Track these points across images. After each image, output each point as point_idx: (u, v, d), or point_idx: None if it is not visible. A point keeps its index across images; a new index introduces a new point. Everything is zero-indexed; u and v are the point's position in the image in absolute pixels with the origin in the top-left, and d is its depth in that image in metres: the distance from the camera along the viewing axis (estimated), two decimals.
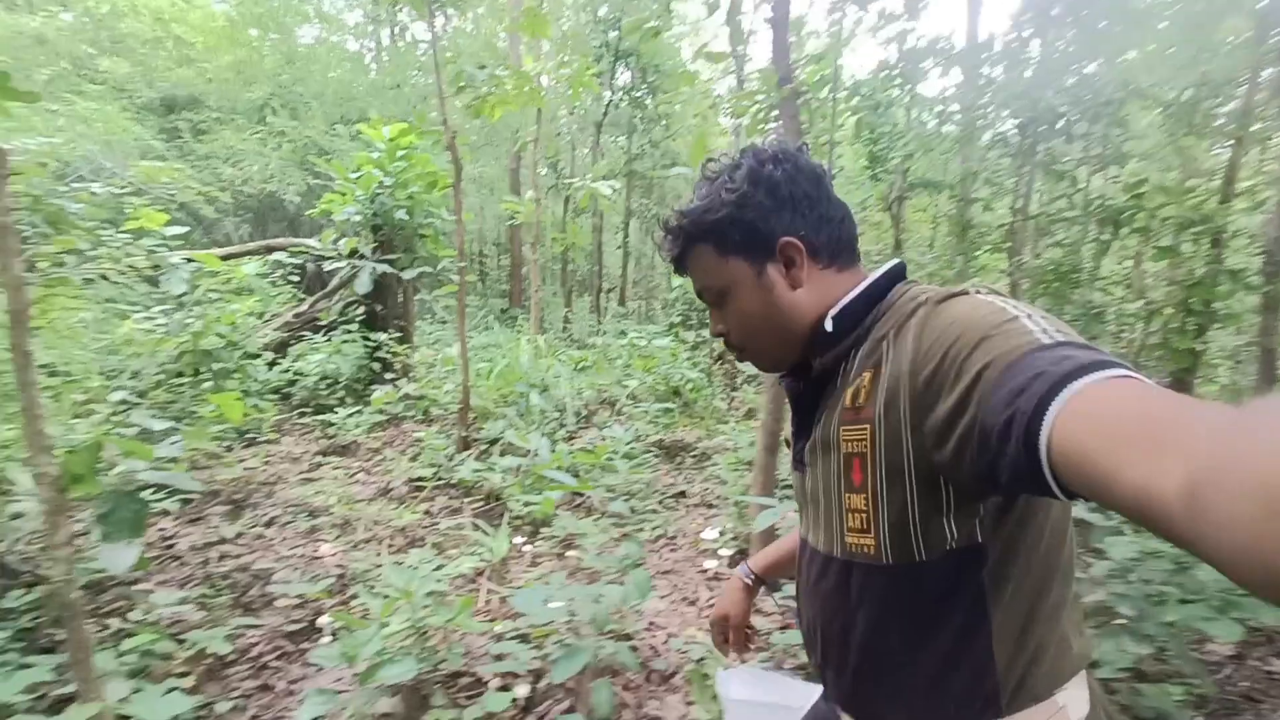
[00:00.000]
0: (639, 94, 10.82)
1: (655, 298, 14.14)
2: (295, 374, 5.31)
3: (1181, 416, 0.35)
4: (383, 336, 5.57)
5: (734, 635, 1.05)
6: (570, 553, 3.02)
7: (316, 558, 2.97)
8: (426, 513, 3.41)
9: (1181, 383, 4.45)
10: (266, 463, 4.33)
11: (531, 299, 7.19)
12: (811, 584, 0.74)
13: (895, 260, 0.73)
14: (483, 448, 4.17)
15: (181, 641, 2.08)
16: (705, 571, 2.97)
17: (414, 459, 4.10)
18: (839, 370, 0.69)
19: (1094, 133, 4.26)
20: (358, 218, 5.73)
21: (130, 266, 2.61)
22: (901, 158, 5.95)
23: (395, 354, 5.58)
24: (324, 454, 4.51)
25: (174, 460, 1.69)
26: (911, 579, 0.62)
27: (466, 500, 3.53)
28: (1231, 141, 5.10)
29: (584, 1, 11.60)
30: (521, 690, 1.97)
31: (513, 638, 2.18)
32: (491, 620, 2.37)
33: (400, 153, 5.62)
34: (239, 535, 3.10)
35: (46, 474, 1.18)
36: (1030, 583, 0.61)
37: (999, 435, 0.45)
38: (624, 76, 11.44)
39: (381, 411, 4.88)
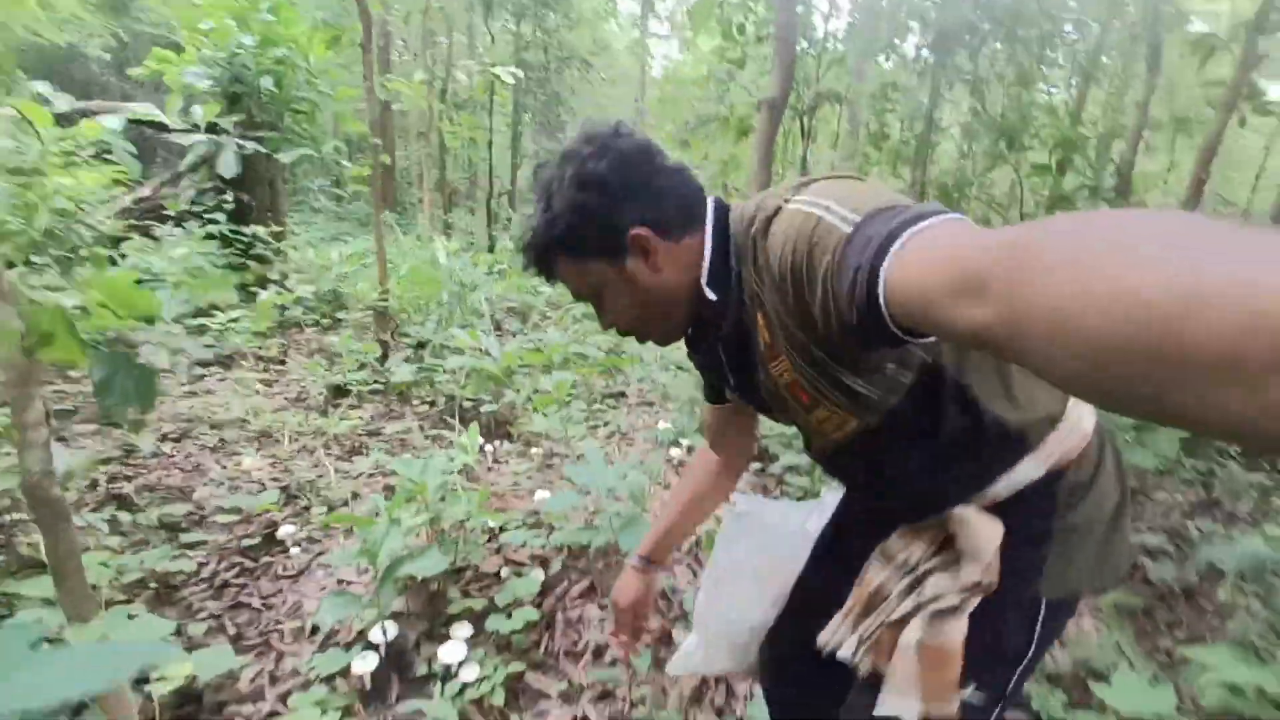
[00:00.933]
0: None
1: None
2: (147, 272, 4.39)
3: (992, 247, 0.38)
4: (255, 230, 4.74)
5: (621, 620, 1.09)
6: (533, 450, 2.91)
7: (241, 471, 2.58)
8: (361, 419, 3.08)
9: None
10: None
11: (424, 197, 6.49)
12: (828, 459, 0.84)
13: (711, 198, 0.75)
14: (409, 351, 3.81)
15: (111, 566, 1.73)
16: (671, 460, 3.04)
17: (327, 366, 3.65)
18: (743, 318, 0.73)
19: (1001, 52, 4.56)
20: (207, 82, 4.68)
21: None
22: (818, 68, 6.00)
23: (276, 251, 4.80)
24: (203, 364, 3.86)
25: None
26: (897, 419, 0.70)
27: (407, 407, 3.23)
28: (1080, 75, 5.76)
29: None
30: (537, 574, 1.91)
31: (516, 527, 2.09)
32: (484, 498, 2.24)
33: (265, 3, 4.59)
34: (130, 454, 2.59)
35: (6, 325, 0.86)
36: (989, 360, 0.70)
37: (860, 320, 0.51)
38: None
39: (269, 316, 4.23)
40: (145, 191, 4.90)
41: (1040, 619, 0.75)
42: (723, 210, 0.74)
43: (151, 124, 4.96)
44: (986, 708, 0.77)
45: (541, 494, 2.35)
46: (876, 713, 0.77)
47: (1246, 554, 1.73)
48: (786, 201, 0.61)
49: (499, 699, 1.47)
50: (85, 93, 8.19)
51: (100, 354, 0.96)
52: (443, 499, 1.75)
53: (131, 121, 4.85)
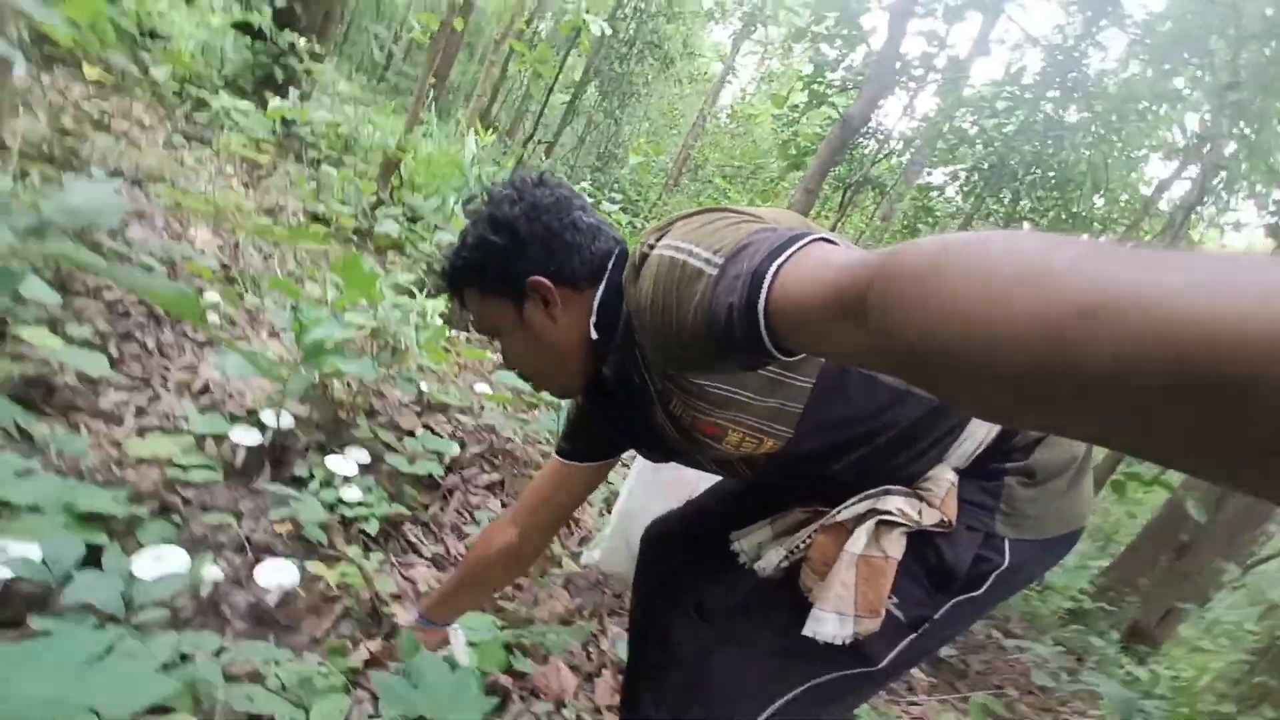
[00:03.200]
0: None
1: (576, 171, 13.30)
2: (160, 17, 4.09)
3: (862, 268, 0.38)
4: (297, 39, 4.47)
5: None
6: None
7: (187, 240, 2.36)
8: (329, 249, 2.88)
9: None
10: (104, 112, 3.31)
11: (484, 94, 6.30)
12: (777, 476, 0.80)
13: (615, 249, 0.76)
14: (398, 214, 3.62)
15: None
16: None
17: (316, 196, 3.43)
18: (639, 367, 0.72)
19: (1045, 198, 4.77)
20: None
21: None
22: (871, 157, 6.15)
23: (308, 71, 4.54)
24: (186, 137, 3.58)
25: None
26: (814, 421, 0.70)
27: (381, 257, 3.06)
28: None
29: None
30: (453, 448, 1.79)
31: (456, 401, 1.96)
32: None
33: None
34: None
35: None
36: None
37: (724, 332, 0.49)
38: None
39: (277, 127, 3.98)
40: None
41: (995, 558, 0.73)
42: (622, 253, 0.76)
43: None
44: (901, 630, 0.74)
45: (484, 387, 2.23)
46: (805, 632, 0.73)
47: (1118, 696, 1.76)
48: (651, 248, 0.58)
49: (371, 529, 1.35)
50: None
51: None
52: (398, 316, 1.61)
53: None
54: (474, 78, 10.75)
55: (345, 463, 1.39)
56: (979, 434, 0.73)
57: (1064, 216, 4.62)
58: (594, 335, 0.73)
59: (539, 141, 11.50)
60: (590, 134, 12.19)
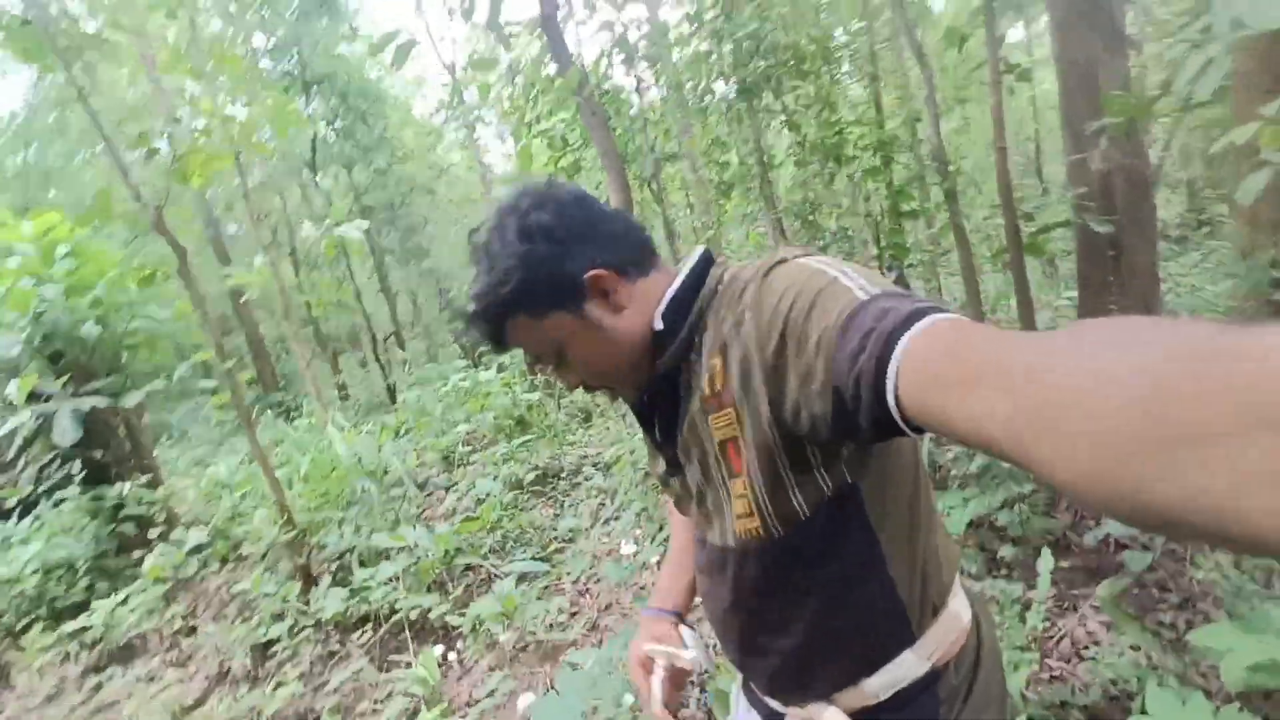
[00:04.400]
0: (346, 122, 9.70)
1: (434, 333, 13.12)
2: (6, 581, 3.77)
3: (999, 355, 0.38)
4: (124, 488, 4.21)
5: (668, 679, 0.86)
6: (502, 637, 2.65)
7: None
8: (300, 678, 2.69)
9: (902, 271, 5.57)
10: None
11: (307, 377, 6.11)
12: (716, 579, 0.74)
13: (702, 248, 0.74)
14: (333, 568, 3.43)
15: None
16: (644, 589, 2.86)
17: (245, 620, 3.21)
18: (686, 364, 0.69)
19: (800, 86, 4.98)
20: (18, 349, 4.20)
21: None
22: (646, 137, 6.31)
23: (152, 504, 4.27)
24: (97, 669, 3.29)
25: None
26: (802, 540, 0.64)
27: (349, 638, 2.87)
28: (869, 80, 6.42)
29: (236, 34, 9.92)
30: None
31: None
32: None
33: (61, 250, 4.23)
34: None
35: None
36: (904, 499, 0.66)
37: (851, 395, 0.48)
38: (317, 106, 10.15)
39: (162, 580, 3.72)
40: None
41: None
42: (708, 255, 0.72)
43: None
44: None
45: (525, 699, 2.11)
46: None
47: None
48: (795, 257, 0.59)
49: None
50: None
51: None
52: None
53: None
54: (288, 329, 10.49)
55: None
56: (911, 668, 0.67)
57: (823, 107, 4.83)
58: (659, 325, 0.68)
59: (385, 338, 11.33)
60: (419, 299, 12.08)
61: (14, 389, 4.00)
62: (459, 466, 5.11)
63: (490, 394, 5.34)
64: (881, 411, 0.45)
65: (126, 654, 3.41)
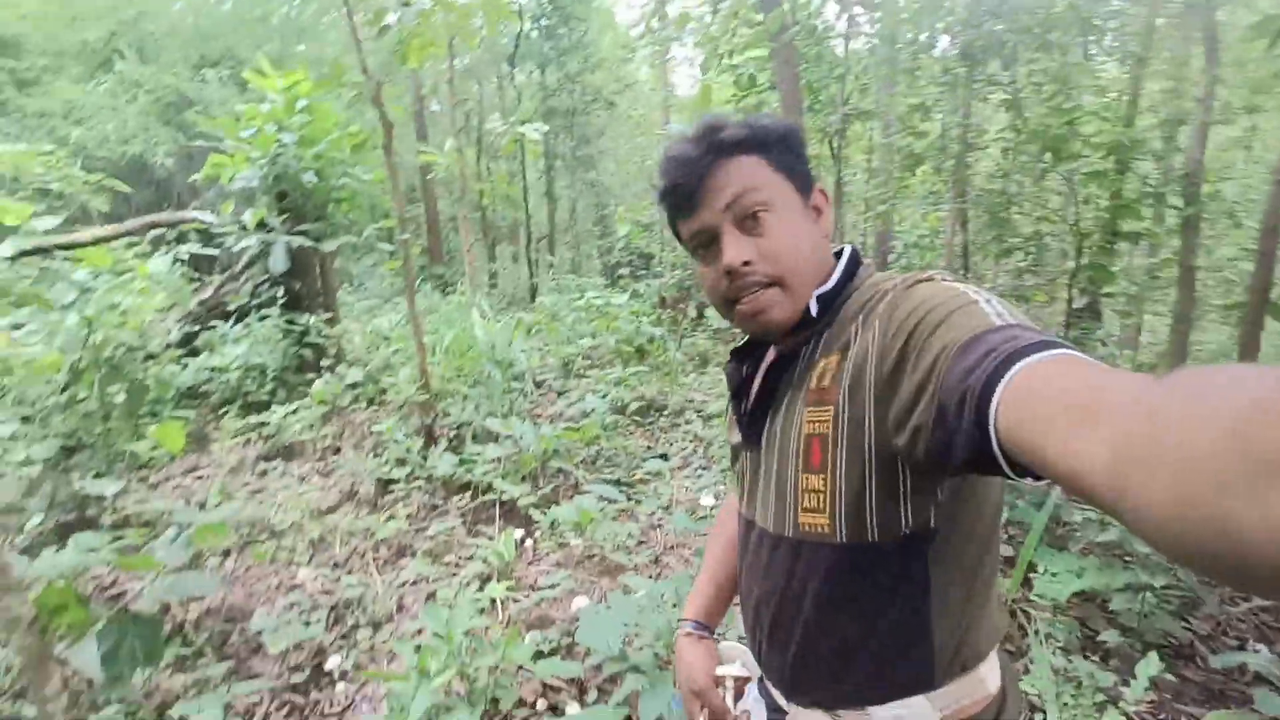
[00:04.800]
0: (550, 22, 9.94)
1: (582, 244, 13.64)
2: (212, 371, 4.70)
3: (1107, 393, 0.36)
4: (309, 319, 5.00)
5: (711, 701, 0.85)
6: (574, 541, 2.89)
7: (295, 585, 2.68)
8: (408, 517, 3.15)
9: (1097, 299, 4.80)
10: (199, 479, 3.85)
11: (465, 259, 6.69)
12: (760, 564, 0.73)
13: (849, 246, 0.73)
14: (451, 434, 3.89)
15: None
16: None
17: (376, 455, 3.77)
18: (800, 352, 0.69)
19: (1037, 60, 4.29)
20: (256, 183, 4.99)
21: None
22: (842, 89, 5.82)
23: (327, 337, 5.04)
24: (267, 459, 4.07)
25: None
26: (861, 559, 0.63)
27: (450, 499, 3.29)
28: (1131, 63, 5.33)
29: None
30: (573, 709, 1.87)
31: (552, 651, 2.06)
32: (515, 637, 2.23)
33: (300, 104, 4.87)
34: (195, 563, 2.74)
35: (19, 617, 0.90)
36: (968, 561, 0.64)
37: (954, 413, 0.47)
38: (529, 1, 10.46)
39: (324, 404, 4.43)
40: (207, 294, 5.27)
41: None
42: (856, 254, 0.73)
43: (205, 231, 5.31)
44: None
45: (579, 601, 2.32)
46: None
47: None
48: (944, 278, 0.60)
49: None
50: (159, 193, 8.98)
51: (111, 621, 0.99)
52: (470, 646, 1.74)
53: (195, 227, 5.26)
54: (455, 244, 11.46)
55: None
56: (920, 713, 0.65)
57: (1059, 89, 4.12)
58: (814, 308, 0.68)
59: (539, 240, 11.97)
60: (577, 208, 12.53)
61: (248, 216, 4.80)
62: (575, 376, 5.44)
63: (618, 318, 5.53)
64: (980, 435, 0.44)
65: (289, 453, 4.16)
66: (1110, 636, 2.00)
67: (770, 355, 0.77)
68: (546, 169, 11.09)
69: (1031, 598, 2.16)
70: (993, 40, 4.16)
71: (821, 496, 0.64)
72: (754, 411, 0.75)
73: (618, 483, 3.42)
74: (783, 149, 0.68)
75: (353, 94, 3.82)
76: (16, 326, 3.07)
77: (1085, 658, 1.96)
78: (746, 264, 0.66)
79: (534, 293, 8.98)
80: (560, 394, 4.96)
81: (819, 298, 0.68)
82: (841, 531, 0.63)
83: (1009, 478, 0.45)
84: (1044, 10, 4.15)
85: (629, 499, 3.21)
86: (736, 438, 0.80)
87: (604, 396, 4.35)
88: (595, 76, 10.87)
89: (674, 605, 1.94)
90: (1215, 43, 3.41)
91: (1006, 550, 2.38)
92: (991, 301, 0.53)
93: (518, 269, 11.84)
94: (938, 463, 0.51)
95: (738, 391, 0.79)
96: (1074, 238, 4.64)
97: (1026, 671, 1.88)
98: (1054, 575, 2.12)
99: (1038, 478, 0.43)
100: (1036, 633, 2.02)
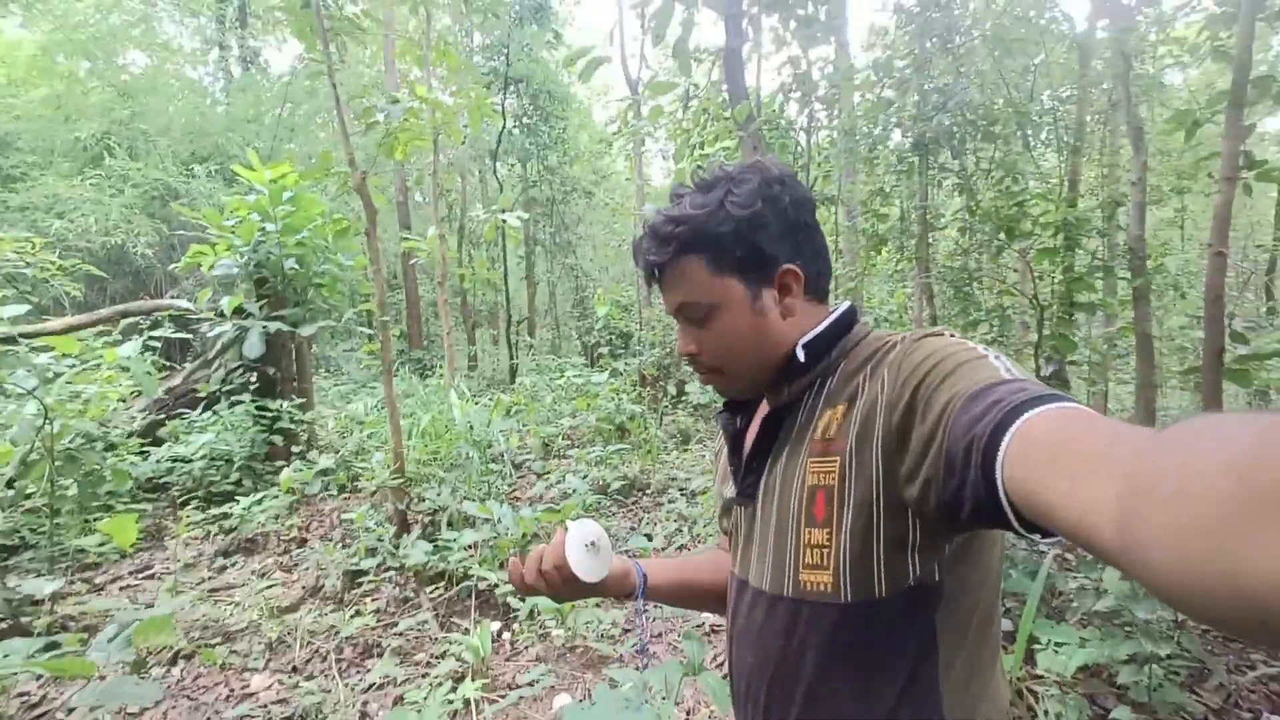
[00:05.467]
0: (531, 120, 10.58)
1: (562, 325, 13.84)
2: (173, 461, 4.51)
3: (1112, 444, 0.36)
4: (282, 405, 4.88)
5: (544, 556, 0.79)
6: (555, 632, 2.72)
7: (248, 694, 2.44)
8: (376, 612, 2.94)
9: (1063, 367, 4.95)
10: (150, 577, 3.59)
11: (445, 342, 6.70)
12: (754, 627, 0.69)
13: (847, 302, 0.74)
14: (426, 521, 3.73)
15: None
16: (701, 626, 2.79)
17: (344, 546, 3.57)
18: (801, 403, 0.69)
19: (984, 149, 4.65)
20: (236, 270, 5.02)
21: None
22: (807, 177, 6.20)
23: (299, 422, 4.91)
24: (226, 554, 3.83)
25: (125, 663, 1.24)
26: (865, 617, 0.61)
27: (423, 590, 3.09)
28: (1067, 152, 5.83)
29: (459, 29, 11.22)
30: None
31: None
32: None
33: (286, 195, 5.01)
34: (141, 670, 2.48)
35: None
36: (977, 621, 0.62)
37: (961, 463, 0.47)
38: (511, 103, 11.17)
39: (292, 492, 4.24)
40: (176, 381, 5.15)
41: None
42: (853, 310, 0.73)
43: (180, 318, 5.27)
44: None
45: (561, 699, 2.14)
46: None
47: None
48: (953, 334, 0.60)
49: None
50: (137, 282, 8.98)
51: None
52: None
53: (170, 318, 5.21)
54: (435, 329, 11.60)
55: None
56: None
57: (1005, 174, 4.47)
58: (800, 356, 0.68)
59: (519, 322, 12.12)
60: (556, 291, 12.82)
61: (225, 303, 4.79)
62: (555, 456, 5.33)
63: (598, 396, 5.52)
64: (986, 486, 0.44)
65: (250, 546, 3.93)
66: (1122, 714, 1.89)
67: (764, 408, 0.75)
68: (527, 254, 11.42)
69: (1037, 674, 2.06)
70: (941, 132, 4.52)
71: (825, 552, 0.61)
72: (750, 463, 0.72)
73: None
74: (732, 243, 0.67)
75: (338, 184, 3.94)
76: None
77: None
78: (693, 353, 0.73)
79: (514, 374, 8.96)
80: (540, 475, 4.83)
81: (805, 345, 0.69)
82: (846, 589, 0.60)
83: (1017, 532, 0.44)
84: (984, 106, 4.55)
85: None
86: (730, 491, 0.77)
87: (584, 477, 4.25)
88: (574, 169, 11.47)
89: (663, 698, 1.80)
90: (1141, 134, 3.76)
91: (1005, 624, 2.30)
92: (1000, 358, 0.54)
93: (498, 352, 11.89)
94: (948, 516, 0.51)
95: (732, 444, 0.77)
96: (1034, 309, 4.86)
97: None
98: (1057, 648, 2.04)
99: (1045, 534, 0.43)
100: (1046, 713, 1.91)
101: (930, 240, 5.24)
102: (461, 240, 10.60)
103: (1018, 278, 5.07)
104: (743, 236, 0.67)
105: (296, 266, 5.11)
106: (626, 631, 2.76)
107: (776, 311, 0.69)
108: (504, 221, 6.26)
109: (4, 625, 2.43)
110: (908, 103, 4.94)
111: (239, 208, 4.98)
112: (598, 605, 2.86)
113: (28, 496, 2.99)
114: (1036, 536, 0.44)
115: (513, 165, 11.25)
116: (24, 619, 2.66)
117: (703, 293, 0.69)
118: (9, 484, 2.84)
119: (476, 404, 5.23)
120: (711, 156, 4.95)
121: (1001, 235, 4.61)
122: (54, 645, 1.55)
